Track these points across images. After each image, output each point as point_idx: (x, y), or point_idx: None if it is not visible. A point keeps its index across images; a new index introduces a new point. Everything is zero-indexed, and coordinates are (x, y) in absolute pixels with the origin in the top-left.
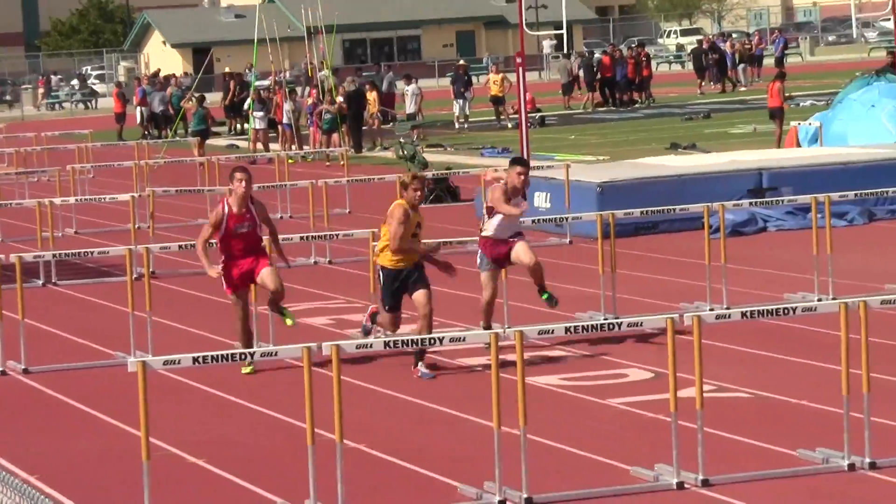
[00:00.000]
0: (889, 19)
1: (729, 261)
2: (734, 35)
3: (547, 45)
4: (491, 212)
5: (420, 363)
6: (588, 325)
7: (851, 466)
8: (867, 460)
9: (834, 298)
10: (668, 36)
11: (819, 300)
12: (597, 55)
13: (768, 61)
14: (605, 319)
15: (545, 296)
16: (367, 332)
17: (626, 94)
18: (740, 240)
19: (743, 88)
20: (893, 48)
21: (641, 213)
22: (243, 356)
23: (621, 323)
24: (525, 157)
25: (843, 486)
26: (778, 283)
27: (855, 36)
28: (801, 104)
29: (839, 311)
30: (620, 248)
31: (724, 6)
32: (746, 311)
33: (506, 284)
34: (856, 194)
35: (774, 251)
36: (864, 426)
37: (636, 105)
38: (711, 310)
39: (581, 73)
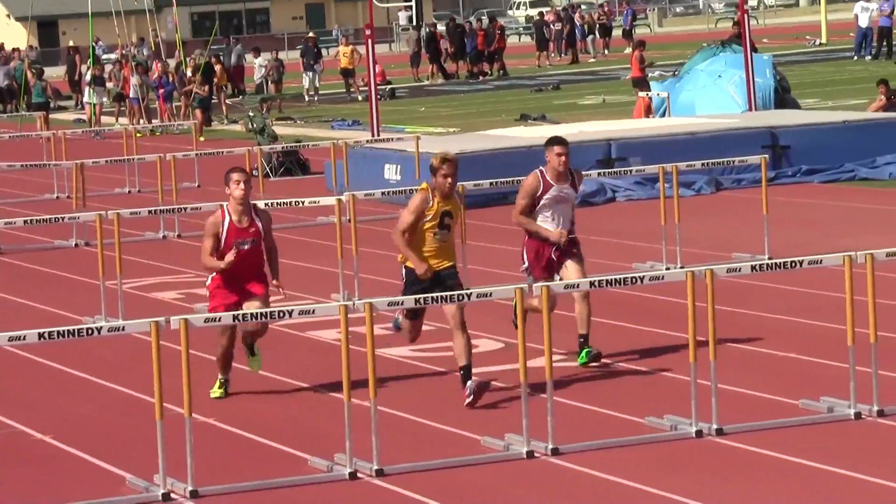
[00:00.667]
0: None
1: (578, 231)
2: (583, 7)
3: (403, 17)
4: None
5: (469, 381)
6: (438, 297)
7: (699, 433)
8: (714, 427)
9: (682, 267)
10: (518, 8)
11: (667, 269)
12: (439, 27)
13: (617, 32)
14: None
15: (587, 351)
16: (397, 328)
17: (476, 66)
18: (589, 210)
19: (592, 59)
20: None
21: (491, 184)
22: (90, 331)
23: (471, 294)
24: (376, 129)
25: (692, 452)
26: (627, 253)
27: (702, 7)
28: (650, 74)
29: (686, 280)
30: (471, 220)
31: None
32: (595, 281)
33: (356, 257)
34: (703, 164)
35: (623, 221)
36: (710, 394)
37: (486, 77)
38: (560, 279)
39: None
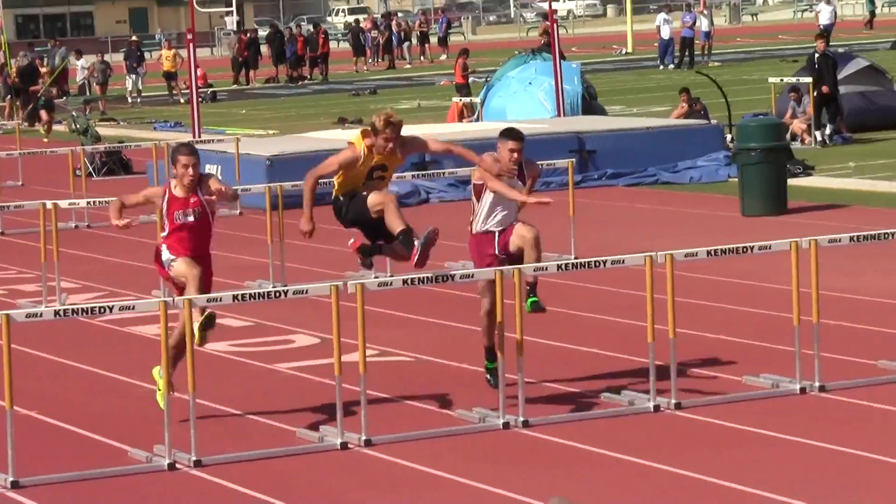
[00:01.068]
0: (545, 0)
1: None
2: (399, 14)
3: (230, 22)
4: (480, 194)
5: (416, 239)
6: (256, 293)
7: (506, 425)
8: (521, 419)
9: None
10: (337, 14)
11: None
12: (261, 32)
13: (432, 40)
14: (273, 287)
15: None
16: (368, 267)
17: (295, 71)
18: (404, 210)
19: (408, 66)
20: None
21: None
22: None
23: (288, 291)
24: (198, 131)
25: (499, 443)
26: (438, 252)
27: (513, 16)
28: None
29: (496, 278)
30: (289, 219)
31: None
32: (407, 279)
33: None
34: None
35: (436, 222)
36: (518, 386)
37: (306, 81)
38: (376, 277)
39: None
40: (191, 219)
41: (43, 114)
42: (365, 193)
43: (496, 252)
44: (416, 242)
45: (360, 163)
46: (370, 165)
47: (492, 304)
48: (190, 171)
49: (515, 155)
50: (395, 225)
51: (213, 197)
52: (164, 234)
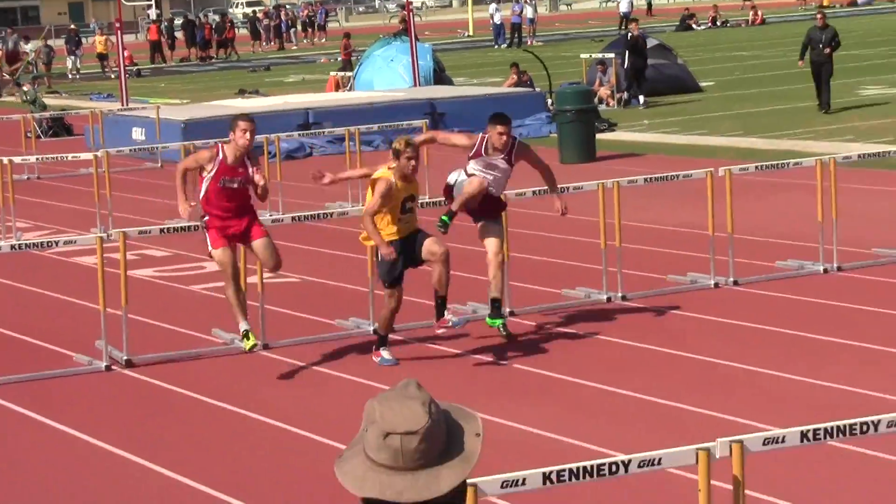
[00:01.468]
0: None
1: (284, 179)
2: (287, 5)
3: (152, 13)
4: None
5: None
6: (175, 227)
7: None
8: (371, 327)
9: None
10: (237, 6)
11: (351, 207)
12: (177, 21)
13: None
14: (178, 223)
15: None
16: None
17: (205, 52)
18: (293, 163)
19: (294, 47)
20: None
21: (216, 142)
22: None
23: (200, 227)
24: (125, 100)
25: (369, 346)
26: (321, 195)
27: (378, 6)
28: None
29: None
30: None
31: None
32: (297, 216)
33: (110, 200)
34: (379, 127)
35: (311, 169)
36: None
37: (213, 60)
38: (271, 215)
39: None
40: (234, 185)
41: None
42: (423, 233)
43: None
44: (449, 319)
45: (395, 189)
46: (404, 195)
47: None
48: (248, 135)
49: (504, 137)
50: (440, 288)
51: (257, 177)
52: (203, 194)
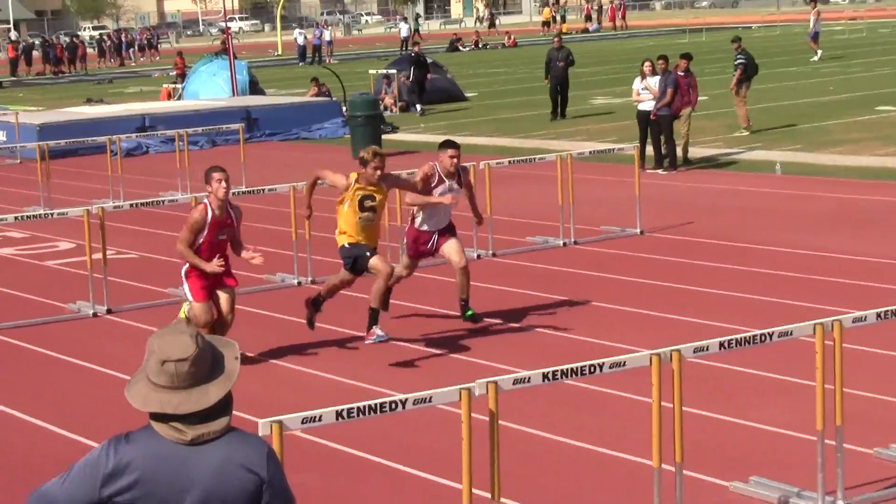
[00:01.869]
0: (223, 21)
1: (124, 172)
2: (126, 29)
3: (13, 34)
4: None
5: (375, 326)
6: (31, 215)
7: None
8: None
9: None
10: (86, 30)
11: (181, 195)
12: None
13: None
14: (44, 211)
15: (469, 313)
16: (311, 325)
17: (57, 67)
18: (131, 159)
19: (133, 64)
20: (225, 38)
21: (66, 142)
22: None
23: (54, 213)
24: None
25: None
26: (156, 186)
27: (202, 30)
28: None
29: (289, 194)
30: (55, 167)
31: (120, 10)
32: (134, 203)
33: None
34: (203, 129)
35: (156, 166)
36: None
37: (64, 73)
38: (113, 203)
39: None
40: (224, 237)
41: None
42: (369, 255)
43: (429, 248)
44: (377, 332)
45: (351, 189)
46: (361, 194)
47: (396, 275)
48: (223, 184)
49: (455, 160)
50: (374, 300)
51: (246, 254)
52: (195, 251)
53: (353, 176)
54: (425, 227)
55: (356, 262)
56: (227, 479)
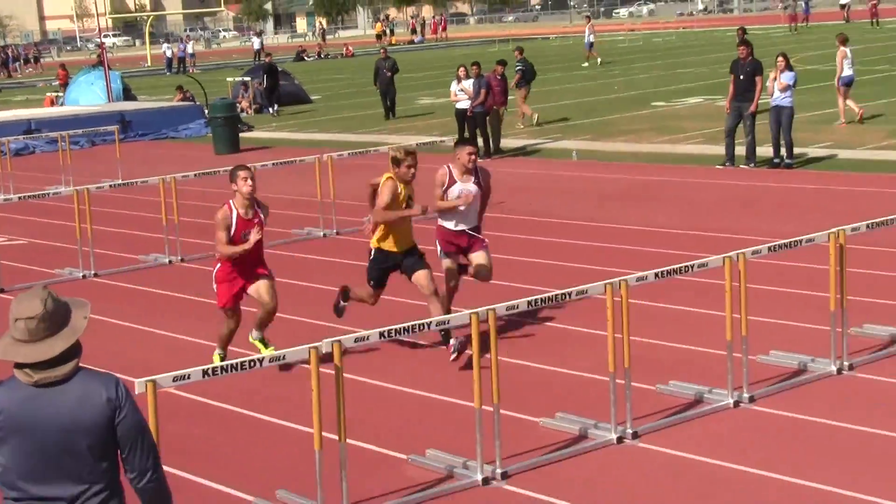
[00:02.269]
0: (99, 38)
1: (13, 170)
2: (13, 45)
3: None
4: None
5: (452, 339)
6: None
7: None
8: (80, 273)
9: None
10: None
11: (65, 188)
12: None
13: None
14: None
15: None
16: (339, 312)
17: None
18: (19, 158)
19: (19, 76)
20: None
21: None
22: None
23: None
24: None
25: (83, 287)
26: (43, 181)
27: (80, 45)
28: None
29: (159, 186)
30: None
31: (6, 28)
32: (22, 196)
33: None
34: (83, 131)
35: (41, 164)
36: None
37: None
38: (3, 197)
39: None
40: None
41: None
42: (418, 269)
43: (460, 250)
44: (453, 343)
45: (399, 191)
46: (405, 194)
47: (455, 284)
48: (249, 182)
49: (473, 156)
50: (435, 313)
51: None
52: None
53: (393, 179)
54: (450, 225)
55: (377, 281)
56: (86, 409)
